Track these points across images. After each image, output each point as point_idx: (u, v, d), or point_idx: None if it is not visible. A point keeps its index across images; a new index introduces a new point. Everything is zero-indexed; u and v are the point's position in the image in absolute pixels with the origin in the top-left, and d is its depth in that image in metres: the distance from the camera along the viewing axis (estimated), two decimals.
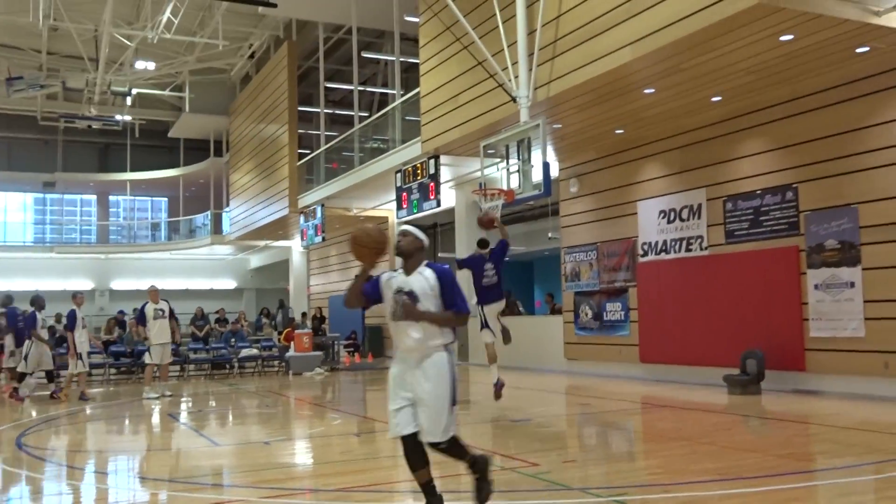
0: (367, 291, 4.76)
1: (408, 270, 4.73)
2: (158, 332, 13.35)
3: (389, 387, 4.69)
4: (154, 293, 13.60)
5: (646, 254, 13.53)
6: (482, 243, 10.40)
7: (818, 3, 8.17)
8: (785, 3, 8.00)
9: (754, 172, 11.61)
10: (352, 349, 22.14)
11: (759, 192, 11.51)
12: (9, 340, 13.76)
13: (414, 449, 4.66)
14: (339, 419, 10.32)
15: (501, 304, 10.27)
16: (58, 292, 31.92)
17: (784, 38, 8.90)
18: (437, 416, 4.56)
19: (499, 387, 9.97)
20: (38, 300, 13.30)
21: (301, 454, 7.99)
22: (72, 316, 12.87)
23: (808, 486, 5.47)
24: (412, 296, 4.61)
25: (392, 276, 4.76)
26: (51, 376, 13.39)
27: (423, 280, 4.66)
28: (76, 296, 13.36)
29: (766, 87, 10.80)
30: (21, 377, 13.07)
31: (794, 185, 10.98)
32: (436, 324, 4.61)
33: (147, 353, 13.62)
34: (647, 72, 10.20)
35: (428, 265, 4.75)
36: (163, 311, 13.48)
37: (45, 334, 13.35)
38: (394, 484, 6.15)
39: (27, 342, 13.00)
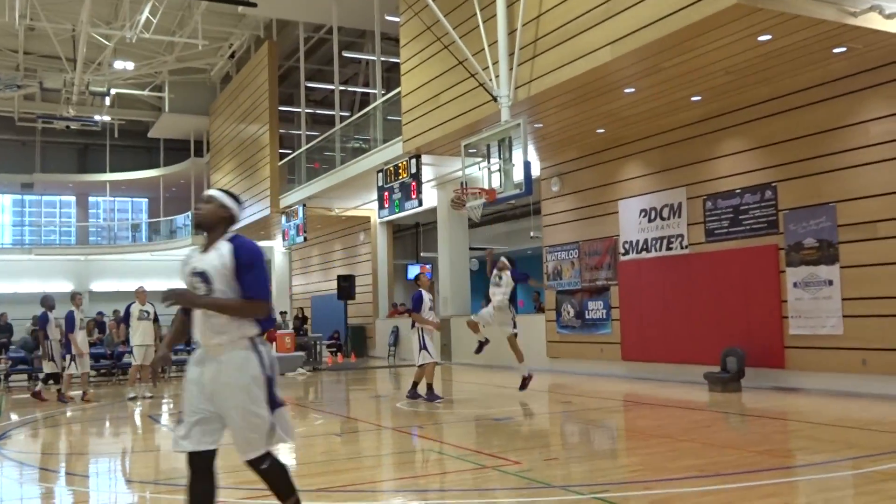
0: None
1: (207, 246, 3.92)
2: (142, 334, 13.28)
3: (184, 393, 3.93)
4: (142, 294, 13.57)
5: (627, 252, 13.60)
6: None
7: (795, 3, 8.24)
8: (762, 3, 8.06)
9: (734, 171, 11.70)
10: (334, 349, 22.09)
11: (738, 190, 11.60)
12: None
13: (202, 474, 3.81)
14: (321, 419, 10.30)
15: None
16: (37, 294, 31.70)
17: (762, 38, 8.97)
18: (244, 428, 3.78)
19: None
20: (47, 300, 13.32)
21: (282, 454, 7.95)
22: (70, 317, 12.72)
23: (786, 482, 5.52)
24: (204, 277, 3.82)
25: (191, 255, 4.01)
26: (58, 378, 13.47)
27: (218, 257, 3.83)
28: (75, 297, 13.20)
29: (745, 86, 10.88)
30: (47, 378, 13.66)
31: (773, 184, 11.08)
32: (220, 312, 3.78)
33: (131, 355, 13.54)
34: (626, 71, 10.25)
35: (231, 239, 3.90)
36: (148, 312, 13.44)
37: (57, 333, 13.33)
38: (375, 483, 6.15)
39: (45, 342, 13.15)
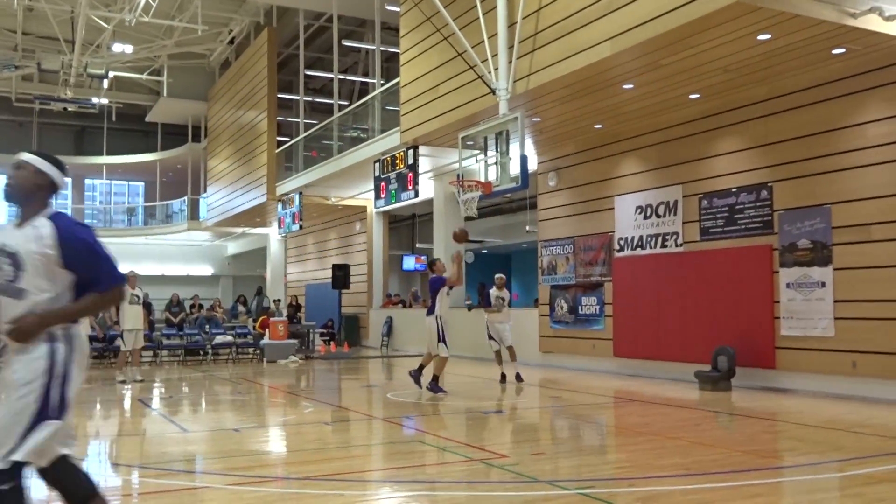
0: None
1: (21, 221, 3.27)
2: (131, 318, 13.26)
3: None
4: (132, 278, 13.51)
5: (622, 249, 13.61)
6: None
7: (795, 3, 8.23)
8: (762, 2, 8.05)
9: (730, 170, 11.70)
10: (327, 338, 22.09)
11: (734, 190, 11.61)
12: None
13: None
14: (311, 408, 10.31)
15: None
16: None
17: (762, 37, 8.96)
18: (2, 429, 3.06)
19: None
20: None
21: (272, 442, 7.97)
22: None
23: (771, 483, 5.54)
24: (14, 260, 3.17)
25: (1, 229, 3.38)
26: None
27: (35, 239, 3.17)
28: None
29: (744, 85, 10.88)
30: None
31: (769, 184, 11.08)
32: (78, 317, 3.30)
33: (120, 339, 13.53)
34: (626, 67, 10.24)
35: (52, 217, 3.24)
36: (138, 297, 13.42)
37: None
38: (364, 472, 6.16)
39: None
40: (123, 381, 12.77)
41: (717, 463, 6.05)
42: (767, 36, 8.93)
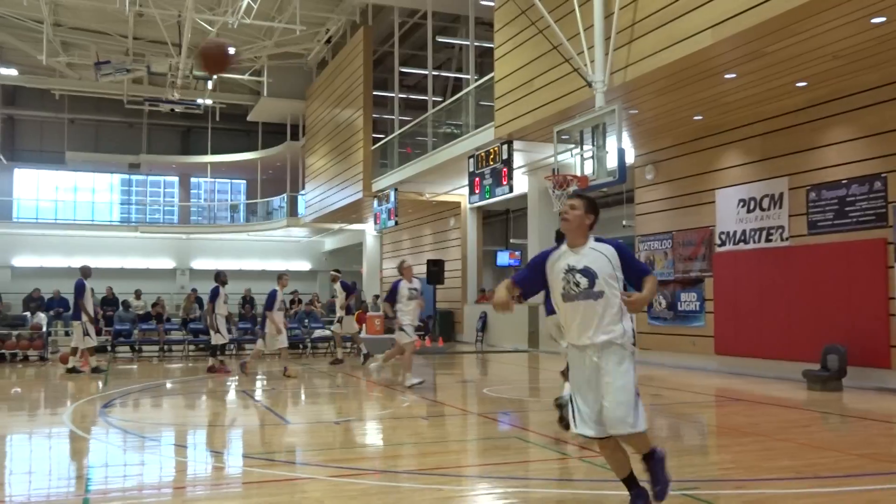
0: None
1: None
2: (410, 313, 12.34)
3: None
4: (408, 270, 12.70)
5: (723, 243, 13.20)
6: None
7: None
8: None
9: (840, 161, 11.18)
10: (422, 333, 22.27)
11: (844, 181, 11.09)
12: (339, 308, 15.56)
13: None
14: (408, 402, 10.41)
15: None
16: (140, 270, 33.13)
17: (875, 20, 8.51)
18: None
19: None
20: (220, 275, 14.27)
21: (370, 435, 8.09)
22: (273, 296, 13.10)
23: (890, 489, 5.26)
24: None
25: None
26: (215, 351, 14.28)
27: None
28: (282, 277, 13.62)
29: (855, 72, 10.37)
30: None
31: (883, 175, 10.53)
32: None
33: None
34: (728, 56, 9.91)
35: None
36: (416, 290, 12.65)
37: (225, 310, 14.34)
38: (461, 468, 6.17)
39: (212, 316, 14.15)
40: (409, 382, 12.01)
41: (829, 467, 5.79)
42: (882, 19, 8.48)
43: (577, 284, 4.20)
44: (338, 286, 15.73)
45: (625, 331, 4.23)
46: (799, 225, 11.82)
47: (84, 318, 13.57)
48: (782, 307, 12.00)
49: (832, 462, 5.99)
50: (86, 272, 13.96)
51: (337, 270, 16.42)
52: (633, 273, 4.30)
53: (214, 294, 14.09)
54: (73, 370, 13.60)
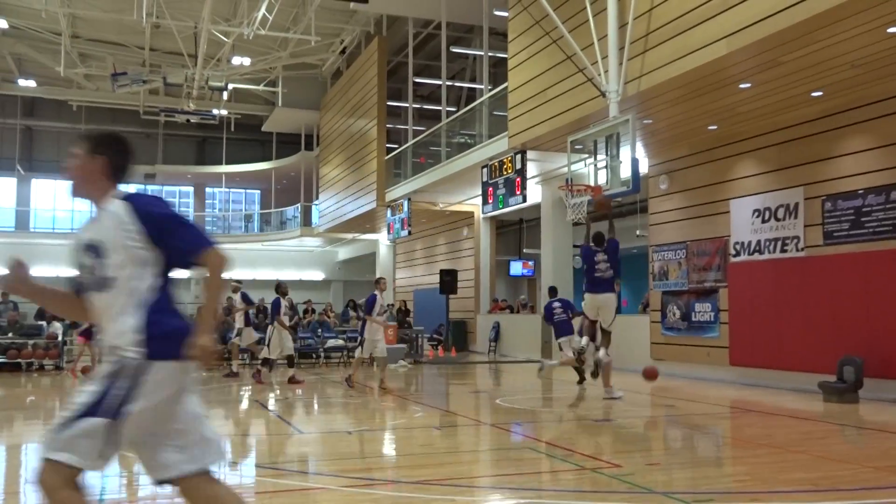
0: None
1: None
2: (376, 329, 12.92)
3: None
4: (383, 282, 13.49)
5: (738, 254, 13.12)
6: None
7: None
8: None
9: (856, 171, 11.10)
10: (435, 343, 22.26)
11: (860, 191, 11.01)
12: (239, 319, 15.18)
13: None
14: (420, 412, 10.39)
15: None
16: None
17: (892, 29, 8.46)
18: None
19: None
20: (281, 286, 14.17)
21: (383, 445, 8.08)
22: (371, 301, 12.75)
23: None
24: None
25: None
26: (291, 361, 14.13)
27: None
28: (379, 281, 13.39)
29: (871, 81, 10.30)
30: (265, 362, 14.41)
31: None
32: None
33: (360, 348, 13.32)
34: (743, 66, 9.87)
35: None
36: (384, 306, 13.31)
37: (286, 321, 14.33)
38: (473, 478, 6.15)
39: (269, 328, 14.07)
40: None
41: (846, 479, 5.73)
42: None
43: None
44: (237, 297, 14.96)
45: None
46: (814, 235, 11.74)
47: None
48: (798, 318, 11.91)
49: (849, 475, 5.92)
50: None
51: (238, 281, 15.30)
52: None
53: (276, 306, 13.87)
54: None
